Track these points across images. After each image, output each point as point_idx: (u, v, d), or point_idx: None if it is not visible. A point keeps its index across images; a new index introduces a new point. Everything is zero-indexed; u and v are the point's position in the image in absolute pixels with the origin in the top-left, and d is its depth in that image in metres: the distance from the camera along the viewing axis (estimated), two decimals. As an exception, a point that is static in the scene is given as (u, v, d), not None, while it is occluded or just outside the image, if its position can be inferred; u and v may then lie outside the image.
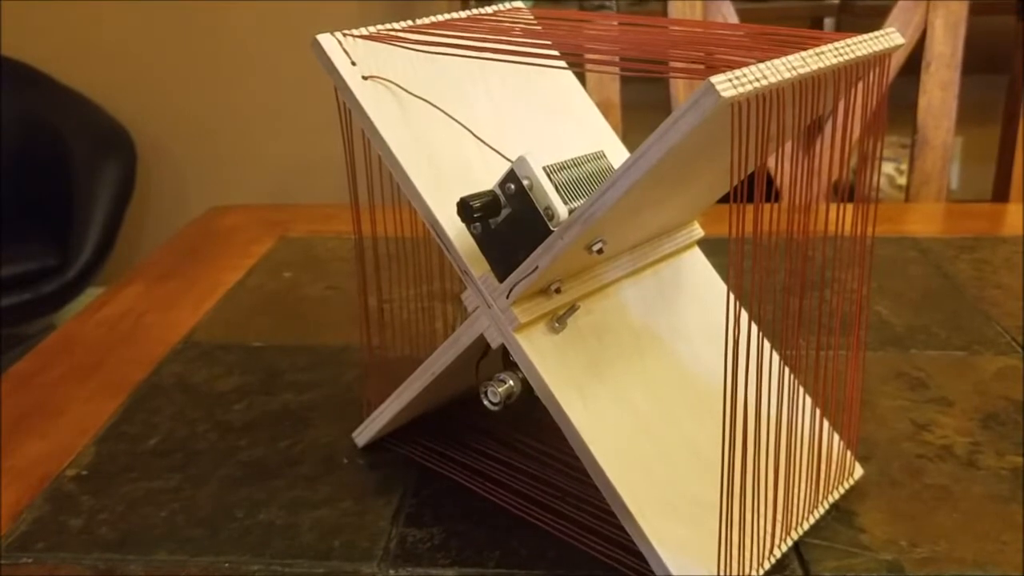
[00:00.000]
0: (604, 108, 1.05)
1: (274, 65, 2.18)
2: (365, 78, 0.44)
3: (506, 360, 0.44)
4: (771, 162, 0.43)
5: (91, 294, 2.00)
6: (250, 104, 2.24)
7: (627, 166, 0.36)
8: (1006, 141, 1.04)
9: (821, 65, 0.35)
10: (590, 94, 1.12)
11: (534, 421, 0.42)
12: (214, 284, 0.77)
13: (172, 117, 2.28)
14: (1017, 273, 0.77)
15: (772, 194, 0.38)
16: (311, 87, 2.12)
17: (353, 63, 0.44)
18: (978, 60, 1.05)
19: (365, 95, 0.44)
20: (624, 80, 1.06)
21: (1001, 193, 1.04)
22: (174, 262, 0.84)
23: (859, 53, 0.37)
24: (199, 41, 2.23)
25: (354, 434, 0.53)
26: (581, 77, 0.55)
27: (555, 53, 0.44)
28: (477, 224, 0.43)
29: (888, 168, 1.72)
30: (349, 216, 0.50)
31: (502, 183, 0.42)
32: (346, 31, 0.45)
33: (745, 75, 0.32)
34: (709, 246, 0.52)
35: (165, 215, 2.35)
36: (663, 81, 1.04)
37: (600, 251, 0.42)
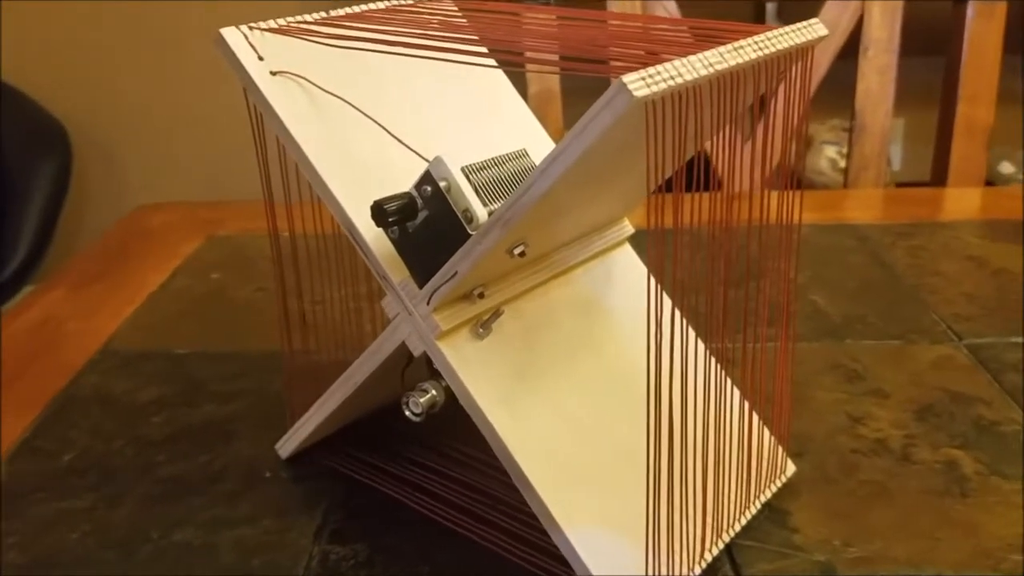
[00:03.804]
0: (545, 98, 1.03)
1: (212, 59, 2.12)
2: (274, 74, 0.42)
3: (430, 368, 0.43)
4: (707, 148, 0.41)
5: (28, 294, 1.94)
6: (188, 98, 2.19)
7: (542, 169, 0.34)
8: (944, 125, 1.05)
9: (740, 60, 0.34)
10: (529, 84, 1.09)
11: (469, 426, 0.41)
12: (139, 288, 0.74)
13: (109, 111, 2.22)
14: (954, 260, 0.77)
15: (712, 182, 0.36)
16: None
17: (260, 58, 0.42)
18: (919, 42, 1.06)
19: (274, 92, 0.42)
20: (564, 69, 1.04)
21: (939, 177, 1.05)
22: (97, 265, 0.81)
23: (780, 46, 0.36)
24: (136, 34, 2.16)
25: (277, 445, 0.51)
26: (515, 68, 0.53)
27: (479, 48, 0.42)
28: (394, 228, 0.41)
29: (830, 152, 1.73)
30: (282, 213, 0.48)
31: (418, 185, 0.40)
32: (252, 24, 0.42)
33: (659, 73, 0.31)
34: (645, 241, 0.51)
35: (103, 212, 2.28)
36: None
37: (522, 254, 0.40)
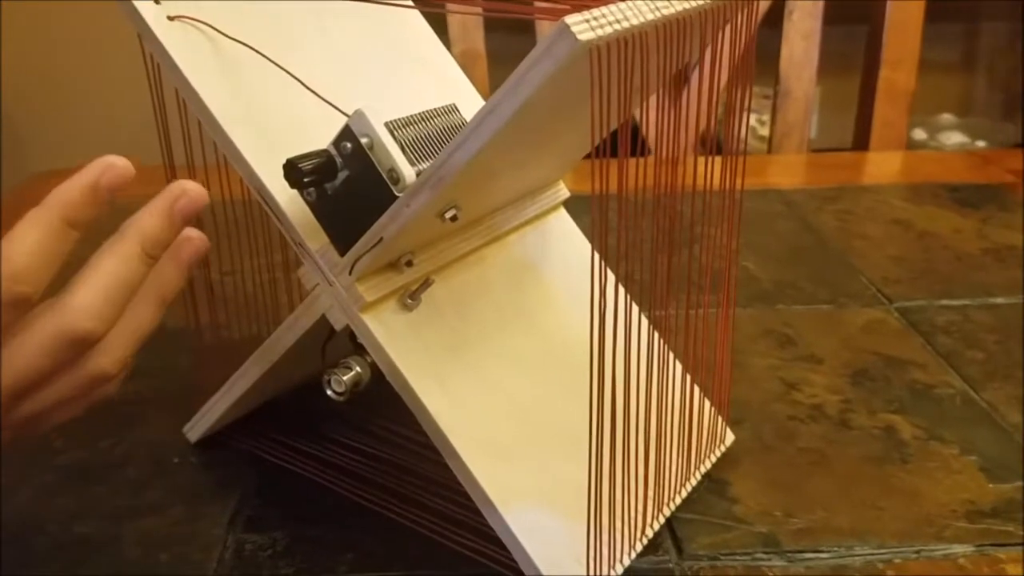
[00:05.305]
0: (470, 59, 0.99)
1: (110, 10, 2.01)
2: (172, 19, 0.38)
3: (354, 343, 0.40)
4: (637, 114, 0.39)
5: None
6: (96, 56, 2.07)
7: (476, 123, 0.31)
8: (866, 90, 1.05)
9: (687, 6, 0.31)
10: (453, 44, 1.05)
11: (397, 404, 0.38)
12: (31, 259, 0.68)
13: (10, 71, 2.08)
14: (880, 223, 0.77)
15: (639, 147, 0.34)
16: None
17: (157, 2, 0.38)
18: (833, 11, 1.06)
19: (172, 40, 0.37)
20: (490, 28, 1.01)
21: (861, 141, 1.06)
22: (-15, 235, 0.74)
23: (728, -7, 0.34)
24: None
25: (185, 429, 0.47)
26: (439, 23, 0.50)
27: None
28: (311, 190, 0.37)
29: (751, 119, 1.74)
30: (190, 177, 0.43)
31: (337, 141, 0.37)
32: (146, -35, 0.38)
33: (604, 15, 0.28)
34: (582, 205, 0.48)
35: (7, 183, 2.15)
36: (531, 30, 1.00)
37: (454, 219, 0.37)
